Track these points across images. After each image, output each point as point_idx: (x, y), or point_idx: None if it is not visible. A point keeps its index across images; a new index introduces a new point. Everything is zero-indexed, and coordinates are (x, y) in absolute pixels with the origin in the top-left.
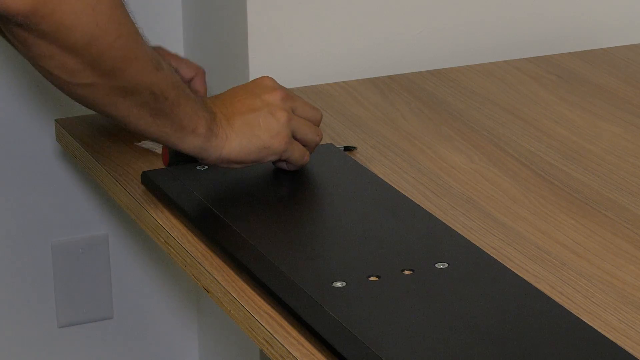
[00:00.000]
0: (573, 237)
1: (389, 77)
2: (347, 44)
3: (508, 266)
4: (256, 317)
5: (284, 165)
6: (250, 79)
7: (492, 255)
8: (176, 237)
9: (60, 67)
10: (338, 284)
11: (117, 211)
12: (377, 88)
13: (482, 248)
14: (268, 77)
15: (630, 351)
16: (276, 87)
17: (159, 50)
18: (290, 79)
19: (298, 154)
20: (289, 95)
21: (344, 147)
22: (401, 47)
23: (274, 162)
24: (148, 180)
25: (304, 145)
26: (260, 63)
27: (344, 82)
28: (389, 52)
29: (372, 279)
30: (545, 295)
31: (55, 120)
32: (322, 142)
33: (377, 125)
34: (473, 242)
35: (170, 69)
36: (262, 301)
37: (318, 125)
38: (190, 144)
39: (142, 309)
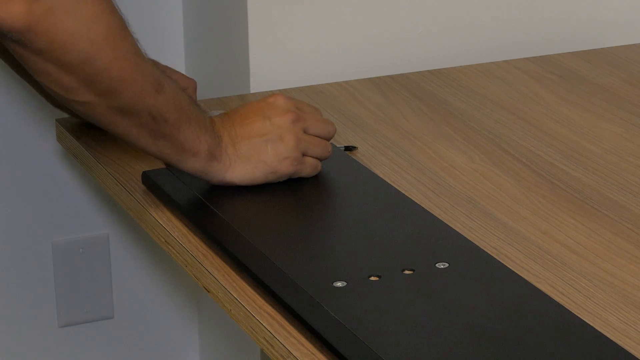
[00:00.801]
0: (574, 237)
1: (390, 76)
2: (347, 43)
3: (509, 266)
4: (257, 317)
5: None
6: (251, 80)
7: (492, 255)
8: (177, 236)
9: (57, 83)
10: (338, 284)
11: (117, 211)
12: (378, 88)
13: (482, 248)
14: (282, 96)
15: (631, 351)
16: (288, 108)
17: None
18: (290, 79)
19: (309, 170)
20: (300, 116)
21: (345, 147)
22: (402, 47)
23: None
24: (148, 180)
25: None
26: (261, 63)
27: (344, 81)
28: (390, 52)
29: (372, 278)
30: (546, 295)
31: (56, 120)
32: None
33: (378, 125)
34: (474, 241)
35: (174, 90)
36: (263, 301)
37: (330, 138)
38: (191, 166)
39: (142, 309)
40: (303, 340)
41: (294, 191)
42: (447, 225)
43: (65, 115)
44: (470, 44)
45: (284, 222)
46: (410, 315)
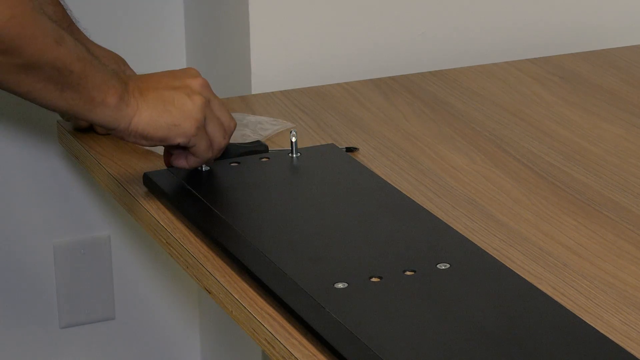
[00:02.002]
0: (575, 238)
1: (391, 78)
2: (349, 44)
3: (510, 267)
4: (258, 319)
5: (183, 163)
6: (253, 81)
7: (493, 256)
8: (178, 238)
9: None
10: (340, 285)
11: (118, 212)
12: (379, 89)
13: (483, 249)
14: (194, 68)
15: (632, 352)
16: (199, 76)
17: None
18: (292, 80)
19: (204, 147)
20: (210, 88)
21: (346, 147)
22: (403, 48)
23: (172, 161)
24: (149, 181)
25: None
26: (262, 64)
27: (345, 82)
28: (391, 53)
29: (373, 280)
30: (547, 296)
31: (57, 121)
32: (324, 142)
33: (379, 126)
34: (475, 242)
35: (74, 42)
36: (264, 302)
37: (230, 130)
38: (100, 115)
39: (144, 310)
40: (304, 341)
41: (294, 192)
42: (448, 226)
43: None
44: (471, 45)
45: (285, 224)
46: (412, 317)
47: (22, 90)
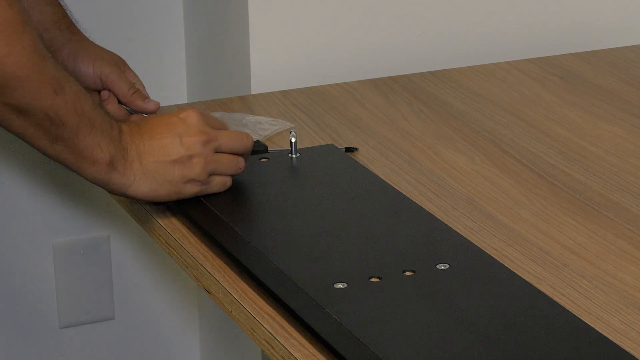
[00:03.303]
0: (574, 238)
1: (390, 77)
2: (348, 44)
3: (509, 267)
4: (257, 319)
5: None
6: (252, 81)
7: (493, 256)
8: (177, 238)
9: None
10: (339, 285)
11: (118, 212)
12: (379, 89)
13: (483, 249)
14: (195, 112)
15: (632, 352)
16: (200, 128)
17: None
18: (291, 80)
19: (216, 189)
20: (212, 137)
21: (345, 147)
22: (402, 48)
23: None
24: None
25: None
26: (262, 64)
27: (345, 82)
28: (391, 53)
29: (373, 280)
30: (547, 296)
31: None
32: (324, 143)
33: (378, 126)
34: (474, 243)
35: (76, 93)
36: (264, 302)
37: (248, 151)
38: (90, 175)
39: (143, 310)
40: (304, 341)
41: (294, 192)
42: (448, 226)
43: None
44: (470, 45)
45: (285, 224)
46: (411, 317)
47: (13, 131)
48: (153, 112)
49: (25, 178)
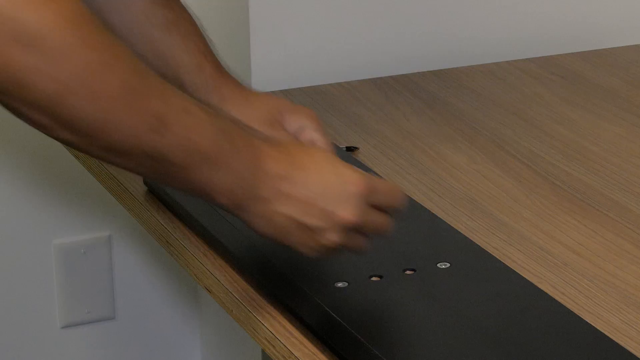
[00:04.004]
0: (575, 238)
1: (391, 77)
2: (349, 44)
3: (510, 266)
4: (258, 317)
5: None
6: (252, 80)
7: (494, 255)
8: (178, 237)
9: (31, 121)
10: (340, 284)
11: (119, 212)
12: (379, 88)
13: (484, 248)
14: (361, 186)
15: (632, 351)
16: (354, 212)
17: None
18: (292, 79)
19: (358, 246)
20: (359, 224)
21: (346, 147)
22: (403, 47)
23: None
24: (150, 181)
25: None
26: (262, 63)
27: (346, 82)
28: (391, 52)
29: (374, 279)
30: (548, 295)
31: None
32: None
33: (379, 126)
34: (475, 242)
35: (192, 127)
36: (264, 301)
37: (402, 204)
38: (211, 203)
39: (144, 310)
40: (304, 340)
41: None
42: (449, 225)
43: None
44: (471, 44)
45: None
46: (412, 316)
47: (115, 166)
48: None
49: (25, 178)
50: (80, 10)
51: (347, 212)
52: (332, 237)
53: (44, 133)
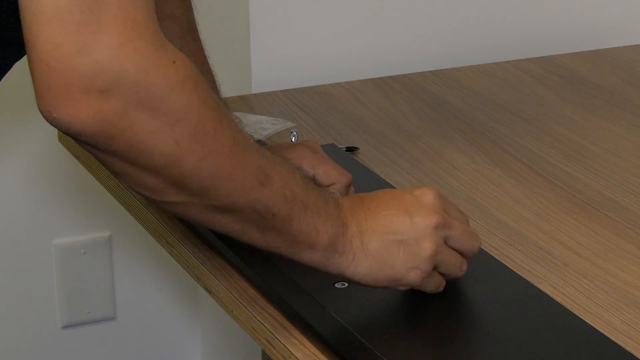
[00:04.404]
0: (575, 238)
1: (391, 77)
2: (349, 44)
3: (510, 266)
4: (258, 318)
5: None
6: (253, 80)
7: (494, 255)
8: (178, 237)
9: (141, 185)
10: (340, 285)
11: (119, 212)
12: (379, 88)
13: (483, 248)
14: (432, 191)
15: (632, 352)
16: (436, 209)
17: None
18: (292, 80)
19: (432, 287)
20: (447, 222)
21: (346, 147)
22: (403, 48)
23: None
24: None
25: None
26: (263, 63)
27: (346, 82)
28: (391, 53)
29: None
30: (547, 295)
31: None
32: (324, 142)
33: (379, 126)
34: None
35: (285, 178)
36: (264, 302)
37: (473, 255)
38: (307, 259)
39: (144, 310)
40: (304, 340)
41: None
42: None
43: None
44: (471, 44)
45: None
46: (412, 316)
47: (217, 229)
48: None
49: (26, 178)
50: (194, 70)
51: (431, 214)
52: (429, 244)
53: (149, 197)
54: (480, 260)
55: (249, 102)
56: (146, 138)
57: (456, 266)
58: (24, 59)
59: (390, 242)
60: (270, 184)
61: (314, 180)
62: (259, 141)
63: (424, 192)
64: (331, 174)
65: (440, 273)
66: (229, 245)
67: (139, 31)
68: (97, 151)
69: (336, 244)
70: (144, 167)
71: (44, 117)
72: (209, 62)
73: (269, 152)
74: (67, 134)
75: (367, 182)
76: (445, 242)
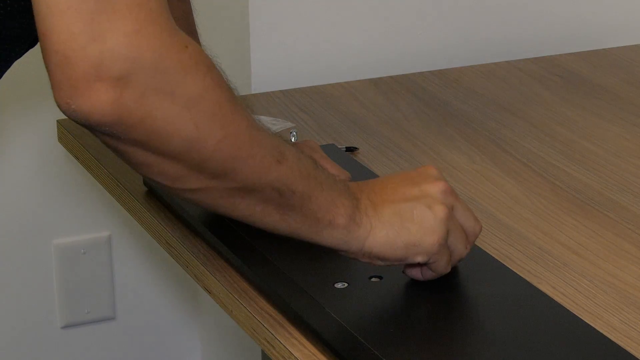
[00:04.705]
0: (575, 238)
1: (391, 77)
2: (348, 44)
3: (509, 267)
4: (258, 318)
5: (418, 275)
6: (252, 80)
7: (493, 255)
8: (178, 238)
9: (162, 174)
10: (339, 285)
11: (119, 212)
12: (379, 88)
13: (483, 248)
14: (433, 167)
15: (632, 352)
16: (440, 178)
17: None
18: (292, 79)
19: (444, 263)
20: (453, 191)
21: (346, 147)
22: (403, 48)
23: (405, 270)
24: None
25: None
26: (262, 63)
27: (345, 82)
28: (391, 53)
29: (373, 279)
30: (547, 295)
31: (57, 120)
32: (324, 142)
33: (379, 126)
34: (474, 242)
35: (297, 156)
36: (264, 302)
37: (475, 237)
38: (328, 237)
39: (144, 310)
40: (304, 341)
41: None
42: None
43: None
44: (471, 44)
45: None
46: (411, 316)
47: (238, 214)
48: None
49: (25, 178)
50: (205, 54)
51: (438, 181)
52: (441, 207)
53: (170, 186)
54: (480, 261)
55: (249, 102)
56: (165, 123)
57: (462, 240)
58: (24, 57)
59: (403, 208)
60: (286, 161)
61: None
62: None
63: (426, 167)
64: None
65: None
66: (228, 246)
67: (152, 17)
68: (117, 142)
69: (354, 216)
70: (164, 154)
71: (62, 110)
72: None
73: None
74: (87, 127)
75: None
76: (454, 211)
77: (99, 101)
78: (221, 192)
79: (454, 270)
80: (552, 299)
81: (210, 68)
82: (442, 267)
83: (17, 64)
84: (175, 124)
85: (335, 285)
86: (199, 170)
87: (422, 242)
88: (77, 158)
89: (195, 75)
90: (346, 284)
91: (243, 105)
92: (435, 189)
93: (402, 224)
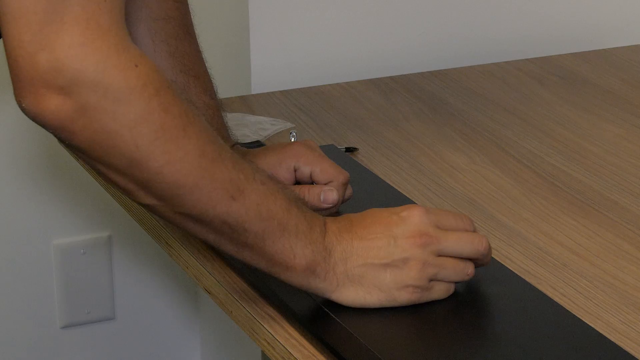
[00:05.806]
0: (574, 238)
1: (391, 77)
2: (348, 44)
3: (509, 267)
4: (257, 319)
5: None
6: (252, 80)
7: (493, 256)
8: (178, 238)
9: (114, 183)
10: None
11: (119, 212)
12: (379, 89)
13: None
14: (419, 211)
15: (632, 352)
16: (420, 229)
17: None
18: (291, 80)
19: (437, 296)
20: (433, 239)
21: (346, 148)
22: (402, 48)
23: None
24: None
25: None
26: (262, 64)
27: (345, 82)
28: (391, 53)
29: None
30: (547, 296)
31: None
32: (324, 143)
33: (379, 126)
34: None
35: (262, 195)
36: (264, 302)
37: (482, 256)
38: (285, 279)
39: (144, 310)
40: (304, 341)
41: None
42: None
43: None
44: (471, 44)
45: None
46: (411, 317)
47: (196, 235)
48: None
49: (25, 178)
50: (159, 75)
51: (415, 235)
52: (414, 263)
53: (130, 198)
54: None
55: (249, 103)
56: (105, 138)
57: (457, 272)
58: None
59: (376, 266)
60: (242, 198)
61: (311, 182)
62: (257, 142)
63: (410, 212)
64: (328, 171)
65: (442, 282)
66: None
67: (101, 32)
68: (64, 145)
69: (316, 269)
70: (114, 168)
71: (18, 106)
72: (207, 64)
73: (252, 168)
74: (37, 124)
75: (366, 183)
76: (440, 253)
77: (43, 106)
78: (172, 214)
79: None
80: (551, 299)
81: (160, 90)
82: (440, 297)
83: None
84: (115, 140)
85: None
86: (144, 188)
87: (397, 298)
88: (77, 159)
89: (139, 96)
90: None
91: (201, 133)
92: (410, 244)
93: (373, 283)
